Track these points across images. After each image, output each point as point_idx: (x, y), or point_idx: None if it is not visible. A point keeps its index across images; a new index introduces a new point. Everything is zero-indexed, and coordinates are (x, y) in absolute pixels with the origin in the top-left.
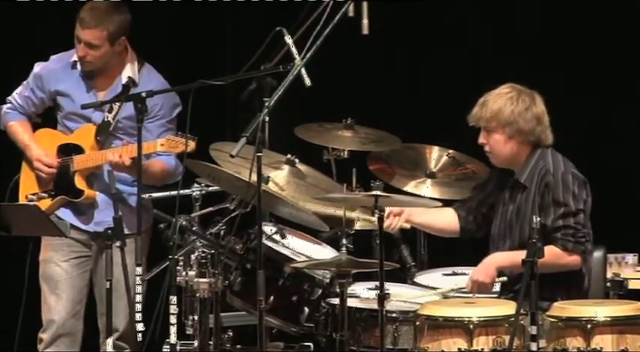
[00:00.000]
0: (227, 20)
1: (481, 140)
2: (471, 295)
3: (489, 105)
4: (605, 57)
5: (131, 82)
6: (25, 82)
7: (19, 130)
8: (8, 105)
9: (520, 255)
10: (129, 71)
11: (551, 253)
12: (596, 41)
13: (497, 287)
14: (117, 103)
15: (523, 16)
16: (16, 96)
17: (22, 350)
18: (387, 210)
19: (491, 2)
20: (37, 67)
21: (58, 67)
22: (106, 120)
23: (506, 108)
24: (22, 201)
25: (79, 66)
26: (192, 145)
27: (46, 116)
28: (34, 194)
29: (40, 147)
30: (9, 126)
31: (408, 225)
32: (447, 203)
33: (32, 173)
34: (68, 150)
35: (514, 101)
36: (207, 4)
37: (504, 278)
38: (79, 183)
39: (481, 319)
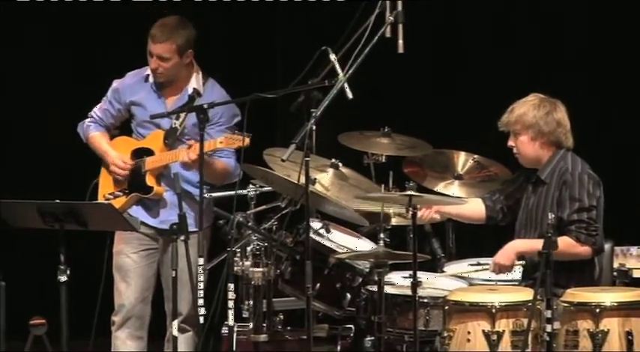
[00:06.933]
0: (277, 36)
1: (510, 143)
2: (493, 283)
3: (515, 111)
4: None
5: (196, 93)
6: (104, 97)
7: (99, 140)
8: (90, 119)
9: (538, 243)
10: (194, 83)
11: (566, 243)
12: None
13: (516, 270)
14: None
15: (564, 26)
16: (97, 110)
17: (100, 331)
18: None
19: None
20: (115, 83)
21: (133, 81)
22: (173, 126)
23: (529, 113)
24: (100, 200)
25: (150, 79)
26: (247, 141)
27: (122, 129)
28: (110, 193)
29: (116, 152)
30: (90, 138)
31: (438, 217)
32: None
33: (109, 175)
34: (141, 154)
35: (536, 107)
36: (259, 22)
37: (523, 262)
38: (150, 181)
39: (502, 304)
